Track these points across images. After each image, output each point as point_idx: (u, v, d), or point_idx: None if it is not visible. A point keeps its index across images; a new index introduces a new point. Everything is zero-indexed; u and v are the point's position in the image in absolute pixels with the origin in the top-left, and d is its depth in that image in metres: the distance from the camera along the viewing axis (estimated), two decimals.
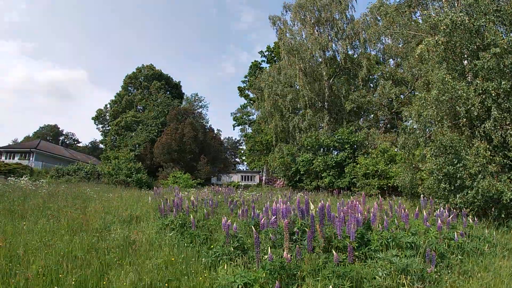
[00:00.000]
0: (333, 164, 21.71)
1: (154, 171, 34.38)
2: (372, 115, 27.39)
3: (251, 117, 46.74)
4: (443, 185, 9.25)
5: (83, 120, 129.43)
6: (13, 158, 35.24)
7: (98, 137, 61.80)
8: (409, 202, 13.38)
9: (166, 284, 4.16)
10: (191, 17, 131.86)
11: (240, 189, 21.06)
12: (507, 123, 8.63)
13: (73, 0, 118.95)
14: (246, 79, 45.27)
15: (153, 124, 40.18)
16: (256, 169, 44.64)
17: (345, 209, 6.16)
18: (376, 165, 19.03)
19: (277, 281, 3.27)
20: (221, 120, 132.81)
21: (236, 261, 4.82)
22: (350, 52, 26.43)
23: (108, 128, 46.51)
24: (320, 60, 26.30)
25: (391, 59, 25.62)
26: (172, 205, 8.12)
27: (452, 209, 8.62)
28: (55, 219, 7.99)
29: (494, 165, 8.72)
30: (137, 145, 38.63)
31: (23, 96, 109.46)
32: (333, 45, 26.21)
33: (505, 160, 8.87)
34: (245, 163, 51.76)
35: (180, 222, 6.92)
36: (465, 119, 9.21)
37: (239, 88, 46.28)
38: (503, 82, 8.41)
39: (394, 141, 20.61)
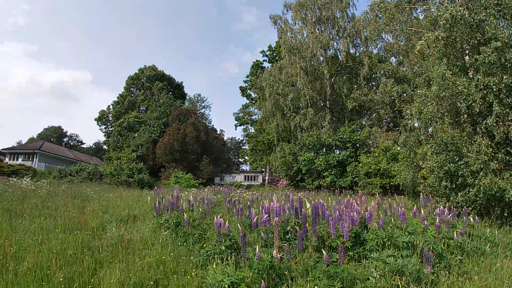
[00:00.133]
0: (335, 163, 21.53)
1: (156, 172, 34.48)
2: (374, 114, 27.13)
3: (253, 117, 46.70)
4: (444, 183, 9.06)
5: (87, 122, 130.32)
6: (17, 160, 35.59)
7: (102, 138, 62.25)
8: (411, 201, 13.19)
9: (152, 282, 4.11)
10: (191, 17, 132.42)
11: (240, 189, 20.97)
12: (509, 118, 8.42)
13: (73, 0, 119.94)
14: (248, 79, 45.22)
15: (155, 125, 40.30)
16: (259, 169, 44.56)
17: (342, 208, 6.04)
18: (378, 164, 18.83)
19: (263, 281, 3.17)
20: (225, 121, 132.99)
21: (228, 260, 4.74)
22: (351, 51, 26.26)
23: (111, 129, 46.78)
24: (321, 58, 26.14)
25: (393, 57, 25.36)
26: (168, 204, 8.07)
27: (453, 208, 8.43)
28: (52, 218, 8.02)
29: (496, 162, 8.51)
30: (139, 146, 38.77)
31: (26, 97, 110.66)
32: (335, 43, 26.02)
33: (507, 157, 8.65)
34: (248, 163, 51.73)
35: (174, 221, 6.88)
36: (466, 116, 9.00)
37: (241, 88, 46.25)
38: (504, 77, 8.21)
39: (397, 139, 20.36)
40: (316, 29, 26.22)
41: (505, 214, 8.36)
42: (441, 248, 5.08)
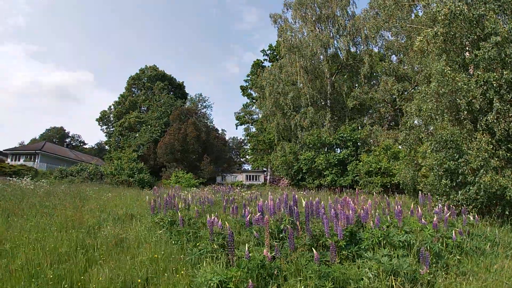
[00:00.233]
0: (336, 162, 21.41)
1: (157, 171, 34.53)
2: (375, 112, 26.96)
3: (254, 116, 46.63)
4: (444, 181, 8.92)
5: (89, 122, 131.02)
6: (19, 160, 35.80)
7: (104, 139, 62.49)
8: (412, 199, 13.04)
9: (140, 281, 4.05)
10: (192, 17, 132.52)
11: (239, 188, 20.89)
12: (510, 115, 8.25)
13: (73, 0, 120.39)
14: (249, 78, 45.15)
15: (156, 125, 40.37)
16: (261, 169, 44.51)
17: (337, 206, 5.95)
18: (379, 163, 18.67)
19: (250, 280, 3.09)
20: (226, 120, 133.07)
21: (220, 258, 4.68)
22: (352, 49, 26.07)
23: (112, 129, 46.93)
24: (321, 57, 26.00)
25: (393, 55, 25.17)
26: (163, 203, 8.01)
27: (453, 206, 8.29)
28: (49, 217, 8.02)
29: (497, 159, 8.36)
30: (140, 146, 38.86)
31: (26, 97, 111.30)
32: (335, 42, 25.87)
33: (508, 154, 8.49)
34: (249, 162, 51.67)
35: (169, 219, 6.83)
36: (466, 112, 8.85)
37: (241, 87, 46.18)
38: (505, 72, 8.05)
39: (398, 138, 20.20)
40: (316, 28, 26.09)
41: (506, 213, 8.20)
42: (438, 248, 4.95)
